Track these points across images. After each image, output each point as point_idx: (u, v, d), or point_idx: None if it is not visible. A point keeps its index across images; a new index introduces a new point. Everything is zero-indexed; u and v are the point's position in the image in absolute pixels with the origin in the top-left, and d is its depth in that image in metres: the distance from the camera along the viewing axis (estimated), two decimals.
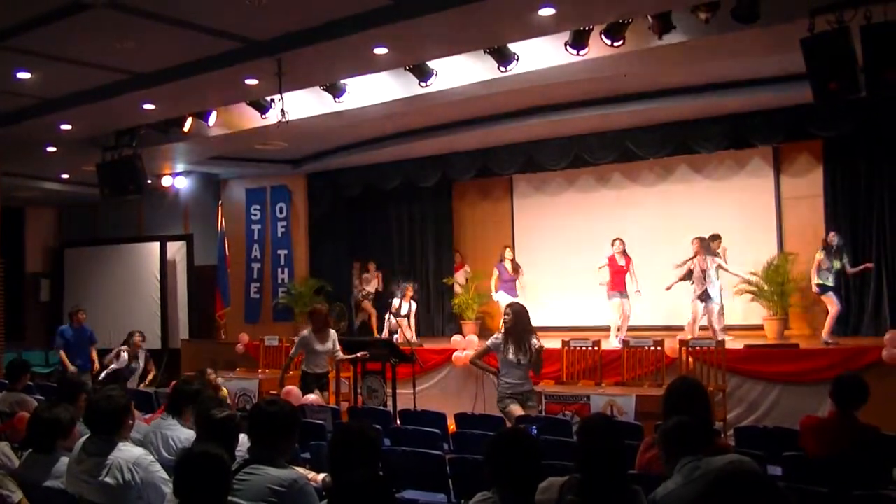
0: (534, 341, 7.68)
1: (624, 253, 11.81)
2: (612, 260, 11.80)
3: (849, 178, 11.45)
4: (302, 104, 10.21)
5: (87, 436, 4.42)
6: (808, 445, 5.07)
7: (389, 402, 9.40)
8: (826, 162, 11.71)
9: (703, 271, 11.00)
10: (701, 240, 11.24)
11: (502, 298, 12.20)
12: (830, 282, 10.28)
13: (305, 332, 9.39)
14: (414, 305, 13.05)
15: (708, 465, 3.55)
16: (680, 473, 3.61)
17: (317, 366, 9.39)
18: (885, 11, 6.20)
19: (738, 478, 3.48)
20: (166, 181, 14.84)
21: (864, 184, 11.30)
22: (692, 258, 11.17)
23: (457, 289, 14.20)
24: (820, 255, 10.31)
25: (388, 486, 3.16)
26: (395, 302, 12.84)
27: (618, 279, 11.73)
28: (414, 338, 12.52)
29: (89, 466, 4.24)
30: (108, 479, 4.17)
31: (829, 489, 4.14)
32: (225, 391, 9.42)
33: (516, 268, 13.01)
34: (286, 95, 8.88)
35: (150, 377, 11.43)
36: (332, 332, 9.56)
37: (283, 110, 8.85)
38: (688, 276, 11.21)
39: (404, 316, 12.77)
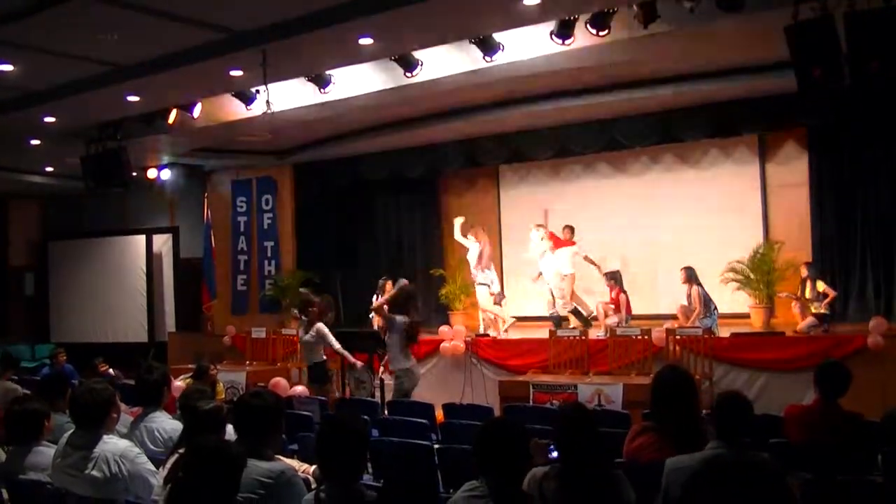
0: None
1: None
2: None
3: (834, 166, 11.48)
4: (287, 95, 10.16)
5: (72, 430, 4.40)
6: (791, 434, 5.10)
7: (377, 393, 9.41)
8: (811, 150, 11.73)
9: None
10: (687, 269, 11.08)
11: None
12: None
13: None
14: None
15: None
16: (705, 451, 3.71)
17: None
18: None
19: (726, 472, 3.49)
20: (151, 173, 14.71)
21: (848, 171, 11.33)
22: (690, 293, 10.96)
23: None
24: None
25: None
26: (376, 298, 12.74)
27: None
28: None
29: (75, 460, 4.22)
30: (94, 473, 4.16)
31: (813, 475, 4.16)
32: (221, 386, 9.42)
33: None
34: (271, 86, 8.82)
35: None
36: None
37: (268, 101, 8.80)
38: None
39: None
